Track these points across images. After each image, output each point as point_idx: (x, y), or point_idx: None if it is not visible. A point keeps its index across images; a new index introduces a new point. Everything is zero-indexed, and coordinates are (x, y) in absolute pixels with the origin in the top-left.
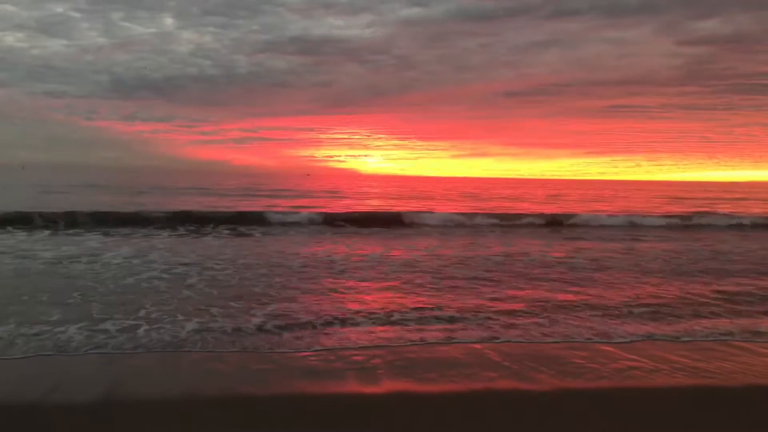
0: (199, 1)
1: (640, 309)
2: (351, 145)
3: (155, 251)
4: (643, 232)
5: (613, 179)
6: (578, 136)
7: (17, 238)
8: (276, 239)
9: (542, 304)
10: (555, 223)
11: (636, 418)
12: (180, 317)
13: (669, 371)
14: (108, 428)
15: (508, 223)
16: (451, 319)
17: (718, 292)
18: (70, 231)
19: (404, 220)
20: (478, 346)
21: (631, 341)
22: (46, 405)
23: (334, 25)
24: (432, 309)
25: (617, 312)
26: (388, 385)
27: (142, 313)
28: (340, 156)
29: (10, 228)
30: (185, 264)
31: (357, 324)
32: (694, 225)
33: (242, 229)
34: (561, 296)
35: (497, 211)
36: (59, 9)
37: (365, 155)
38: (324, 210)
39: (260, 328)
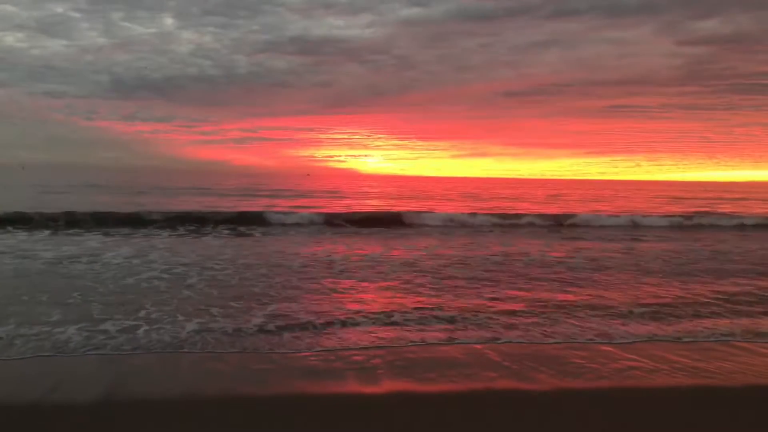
0: (199, 1)
1: (640, 309)
2: (351, 145)
3: (155, 251)
4: (643, 232)
5: (613, 179)
6: (578, 136)
7: (17, 238)
8: (276, 239)
9: (542, 304)
10: (555, 223)
11: (636, 418)
12: (180, 317)
13: (669, 371)
14: (108, 428)
15: (508, 222)
16: (451, 319)
17: (718, 292)
18: (70, 231)
19: (404, 220)
20: (478, 346)
21: (632, 341)
22: (46, 405)
23: (334, 25)
24: (432, 309)
25: (617, 312)
26: (388, 385)
27: (142, 313)
28: (340, 156)
29: (10, 228)
30: (185, 264)
31: (357, 324)
32: (694, 225)
33: (242, 229)
34: (561, 296)
35: (497, 211)
36: (59, 9)
37: (365, 155)
38: (324, 210)
39: (260, 329)
